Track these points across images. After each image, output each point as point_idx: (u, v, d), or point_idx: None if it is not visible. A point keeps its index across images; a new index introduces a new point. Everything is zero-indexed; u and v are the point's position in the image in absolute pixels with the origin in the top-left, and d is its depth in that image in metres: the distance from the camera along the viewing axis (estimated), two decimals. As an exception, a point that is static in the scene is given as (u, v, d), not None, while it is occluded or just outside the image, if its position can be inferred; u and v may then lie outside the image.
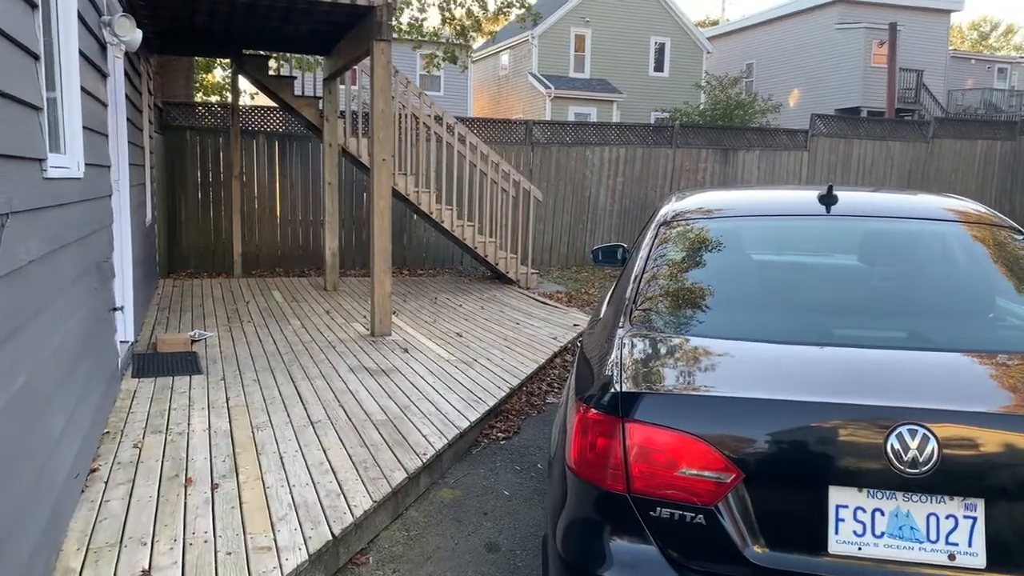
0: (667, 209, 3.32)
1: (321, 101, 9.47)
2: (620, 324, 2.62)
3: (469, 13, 15.11)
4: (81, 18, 3.69)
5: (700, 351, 2.40)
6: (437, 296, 9.34)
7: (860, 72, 27.78)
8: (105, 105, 4.63)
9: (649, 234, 3.13)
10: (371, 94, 6.70)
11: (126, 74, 5.88)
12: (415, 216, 11.56)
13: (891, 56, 19.38)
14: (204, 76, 18.00)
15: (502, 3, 15.55)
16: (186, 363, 5.67)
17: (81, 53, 3.62)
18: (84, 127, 3.70)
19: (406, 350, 6.34)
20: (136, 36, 4.52)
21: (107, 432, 4.13)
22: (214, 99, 18.75)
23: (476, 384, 5.38)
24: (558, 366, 6.42)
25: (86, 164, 3.76)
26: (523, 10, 15.84)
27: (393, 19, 6.71)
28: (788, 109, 28.41)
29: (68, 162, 3.38)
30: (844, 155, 14.65)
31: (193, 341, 6.37)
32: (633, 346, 2.45)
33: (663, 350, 2.45)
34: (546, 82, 29.14)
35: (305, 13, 6.87)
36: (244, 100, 19.99)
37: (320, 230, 11.85)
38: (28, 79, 2.66)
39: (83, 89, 3.67)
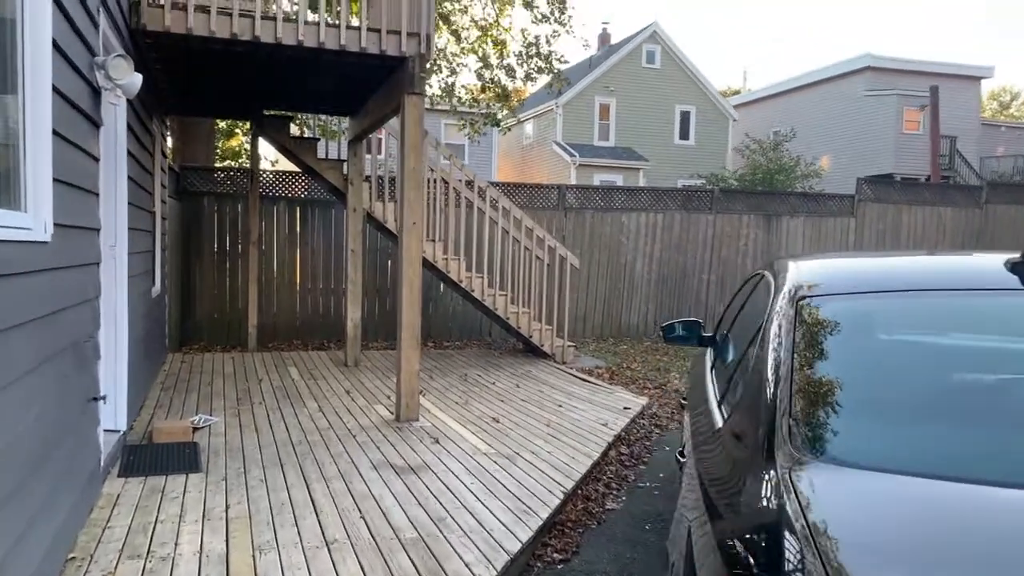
0: (793, 281, 2.54)
1: (346, 164, 8.90)
2: (774, 447, 1.81)
3: (509, 71, 14.73)
4: (61, 52, 3.06)
5: (939, 503, 1.59)
6: (467, 372, 8.54)
7: (892, 138, 27.25)
8: (96, 159, 3.98)
9: (780, 315, 2.34)
10: (400, 152, 6.06)
11: (130, 129, 5.29)
12: (442, 285, 10.87)
13: (934, 120, 18.79)
14: (225, 142, 17.71)
15: (531, 68, 15.16)
16: (184, 457, 4.87)
17: (57, 91, 2.97)
18: (57, 180, 3.02)
19: (436, 440, 5.51)
20: (134, 80, 3.90)
21: (72, 557, 3.32)
22: (234, 164, 18.44)
23: (522, 487, 4.52)
24: (613, 460, 5.55)
25: (59, 225, 3.06)
26: (553, 75, 15.44)
27: (424, 73, 6.12)
28: (819, 175, 27.85)
29: (27, 221, 2.68)
30: (893, 221, 13.88)
31: (195, 428, 5.59)
32: (818, 493, 1.64)
33: (875, 500, 1.63)
34: (571, 150, 28.87)
35: (331, 66, 6.31)
36: (265, 166, 19.74)
37: (341, 300, 11.17)
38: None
39: (57, 134, 3.00)
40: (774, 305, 2.46)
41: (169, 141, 12.34)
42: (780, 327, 2.27)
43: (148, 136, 6.70)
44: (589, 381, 8.25)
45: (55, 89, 2.93)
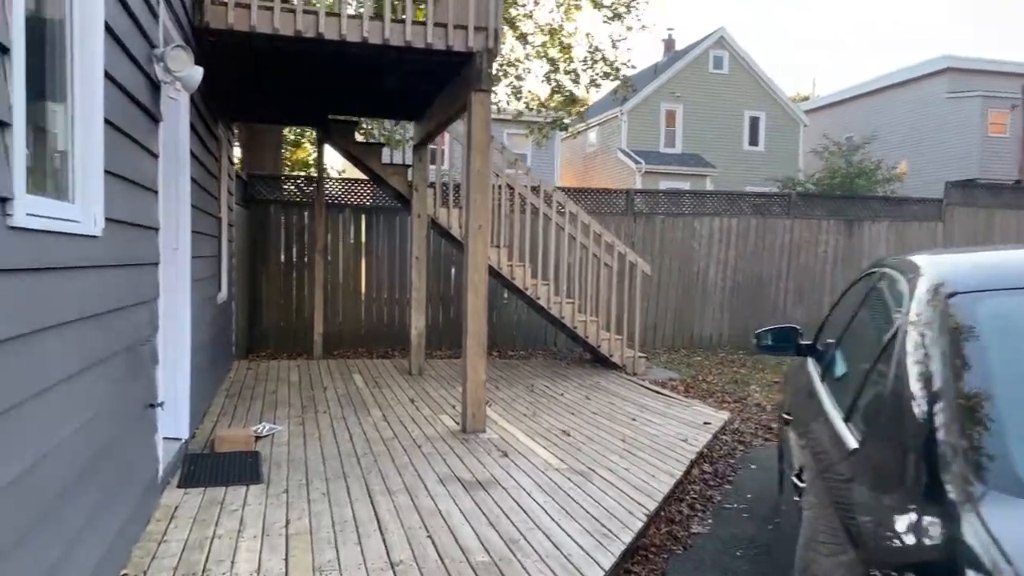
0: (935, 277, 2.14)
1: (410, 170, 8.73)
2: (939, 475, 1.46)
3: (574, 77, 14.45)
4: (115, 36, 2.89)
5: None
6: (533, 383, 8.23)
7: (976, 142, 25.92)
8: (155, 156, 3.83)
9: (923, 318, 1.95)
10: (466, 153, 5.82)
11: (194, 130, 5.17)
12: (506, 293, 10.61)
13: (1025, 119, 17.67)
14: (293, 153, 17.89)
15: (596, 74, 14.83)
16: (246, 467, 4.69)
17: (109, 78, 2.79)
18: (109, 172, 2.84)
19: (505, 453, 5.21)
20: (193, 73, 3.74)
21: (124, 575, 3.13)
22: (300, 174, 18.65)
23: (599, 507, 4.18)
24: (696, 479, 5.15)
25: (111, 220, 2.88)
26: (619, 81, 15.08)
27: (491, 69, 5.87)
28: (900, 180, 26.68)
29: (74, 212, 2.50)
30: (985, 226, 13.02)
31: (258, 437, 5.43)
32: (1003, 529, 1.29)
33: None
34: (636, 157, 28.40)
35: (396, 64, 6.12)
36: (332, 174, 19.89)
37: (406, 308, 11.01)
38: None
39: (110, 124, 2.82)
40: (911, 306, 2.07)
41: (237, 151, 12.46)
42: (925, 332, 1.89)
43: (213, 140, 6.63)
44: (663, 394, 7.83)
45: (107, 75, 2.76)
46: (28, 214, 2.01)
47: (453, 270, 11.15)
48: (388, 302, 11.09)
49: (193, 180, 5.18)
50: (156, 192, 3.88)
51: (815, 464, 2.26)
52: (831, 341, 3.30)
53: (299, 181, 11.13)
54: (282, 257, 10.80)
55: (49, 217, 2.21)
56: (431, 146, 8.76)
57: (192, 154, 5.13)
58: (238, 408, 6.50)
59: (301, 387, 7.56)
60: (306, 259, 10.66)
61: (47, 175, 2.40)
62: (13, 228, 1.91)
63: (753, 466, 5.63)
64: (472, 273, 5.75)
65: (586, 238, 9.18)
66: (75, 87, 2.52)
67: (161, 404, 3.82)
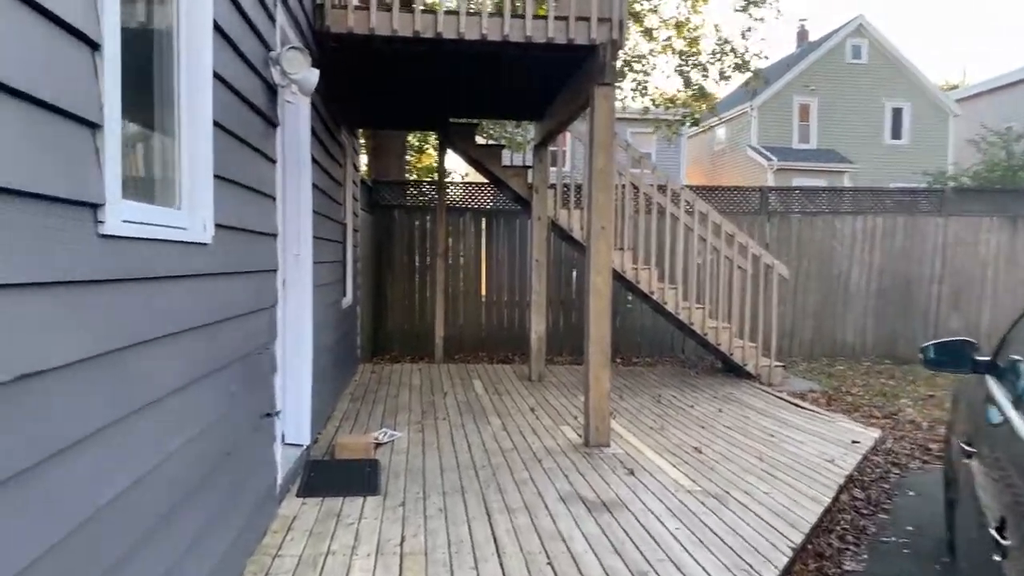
0: None
1: (530, 171, 8.53)
2: None
3: (702, 71, 13.86)
4: (225, 36, 2.80)
5: None
6: (660, 393, 7.81)
7: None
8: (272, 161, 3.77)
9: None
10: (588, 150, 5.53)
11: (315, 135, 5.16)
12: (629, 297, 10.23)
13: None
14: (417, 159, 18.19)
15: (725, 67, 14.14)
16: (364, 476, 4.60)
17: (220, 79, 2.71)
18: (221, 177, 2.76)
19: (631, 471, 4.87)
20: (310, 76, 3.66)
21: (237, 590, 3.05)
22: (423, 179, 18.92)
23: (737, 536, 3.78)
24: (847, 507, 4.63)
25: (223, 226, 2.79)
26: (750, 73, 14.32)
27: (616, 61, 5.56)
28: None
29: (181, 219, 2.41)
30: None
31: (377, 444, 5.35)
32: None
33: None
34: (767, 154, 27.14)
35: (516, 62, 5.93)
36: (455, 178, 20.08)
37: (525, 311, 10.84)
38: (72, 70, 1.66)
39: (220, 127, 2.74)
40: None
41: (363, 157, 12.72)
42: None
43: (337, 145, 6.67)
44: (802, 407, 7.23)
45: (217, 76, 2.67)
46: (124, 221, 1.90)
47: (574, 273, 10.88)
48: (508, 305, 10.96)
49: (315, 186, 5.17)
50: (274, 198, 3.83)
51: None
52: (1020, 360, 2.78)
53: (422, 186, 11.20)
54: (405, 261, 10.89)
55: (151, 224, 2.11)
56: (551, 148, 8.53)
57: (313, 159, 5.11)
58: (360, 413, 6.49)
59: (422, 392, 7.50)
60: (428, 263, 10.70)
61: (150, 181, 2.32)
62: (105, 236, 1.80)
63: (911, 492, 5.02)
64: (594, 276, 5.45)
65: (717, 239, 8.67)
66: (181, 88, 2.43)
67: (278, 413, 3.76)
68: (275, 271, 3.85)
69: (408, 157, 18.33)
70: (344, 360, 7.41)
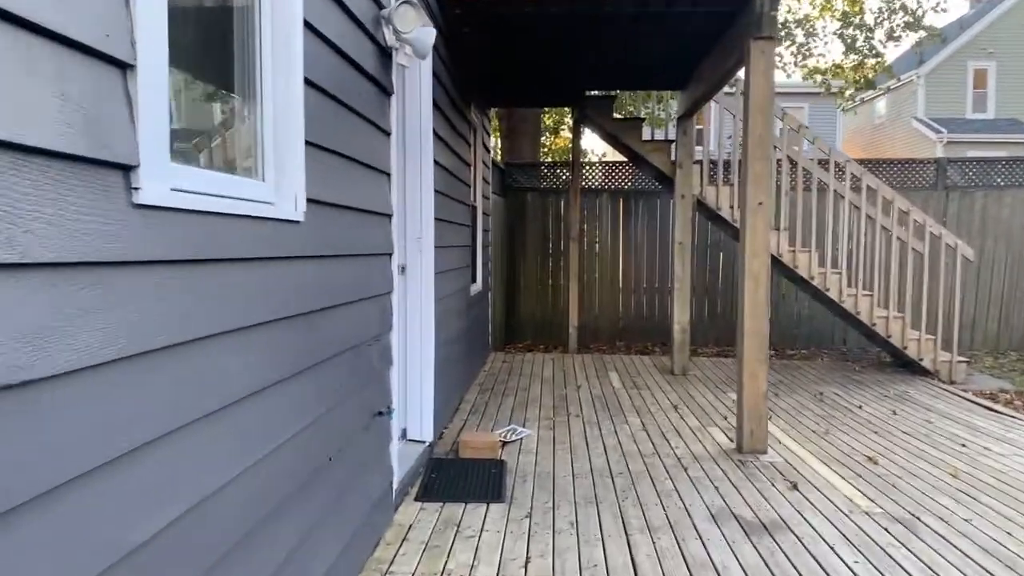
0: None
1: (673, 146, 7.85)
2: None
3: (867, 33, 12.54)
4: (322, -18, 2.42)
5: None
6: (821, 390, 6.96)
7: None
8: (386, 133, 3.40)
9: None
10: (744, 115, 4.84)
11: (438, 108, 4.79)
12: (783, 282, 9.34)
13: None
14: (553, 140, 17.73)
15: (894, 26, 12.71)
16: (489, 480, 4.20)
17: (312, 28, 2.32)
18: (316, 145, 2.39)
19: (794, 485, 4.19)
20: (424, 36, 3.25)
21: (339, 615, 2.71)
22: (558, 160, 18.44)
23: (938, 578, 3.06)
24: (1078, 545, 3.75)
25: (320, 202, 2.43)
26: (922, 32, 12.81)
27: (775, 12, 4.82)
28: None
29: (265, 192, 2.04)
30: None
31: (504, 443, 4.95)
32: None
33: None
34: (936, 126, 24.63)
35: (658, 22, 5.32)
36: (592, 159, 19.45)
37: (666, 299, 10.16)
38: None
39: (314, 86, 2.36)
40: None
41: (495, 141, 12.41)
42: None
43: (465, 123, 6.30)
44: (995, 410, 6.19)
45: (308, 26, 2.29)
46: (174, 190, 1.53)
47: (721, 256, 10.08)
48: (647, 293, 10.32)
49: (438, 163, 4.81)
50: (388, 174, 3.46)
51: None
52: None
53: (556, 167, 10.73)
54: (539, 246, 10.48)
55: (219, 196, 1.74)
56: (697, 127, 7.80)
57: (436, 135, 4.75)
58: (489, 405, 6.12)
59: (554, 384, 7.05)
60: (562, 248, 10.24)
61: (222, 145, 1.96)
62: (145, 207, 1.43)
63: None
64: (750, 260, 4.77)
65: (887, 218, 7.65)
66: (263, 35, 2.06)
67: (390, 411, 3.40)
68: (389, 255, 3.49)
69: (543, 140, 17.93)
70: (473, 349, 7.09)
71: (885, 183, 9.42)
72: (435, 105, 4.69)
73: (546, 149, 17.82)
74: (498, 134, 13.59)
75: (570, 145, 9.68)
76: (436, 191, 4.75)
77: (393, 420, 3.52)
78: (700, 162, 7.89)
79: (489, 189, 8.55)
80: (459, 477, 4.23)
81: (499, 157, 13.08)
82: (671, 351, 7.78)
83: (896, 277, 7.68)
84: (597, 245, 10.37)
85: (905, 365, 8.08)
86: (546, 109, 15.81)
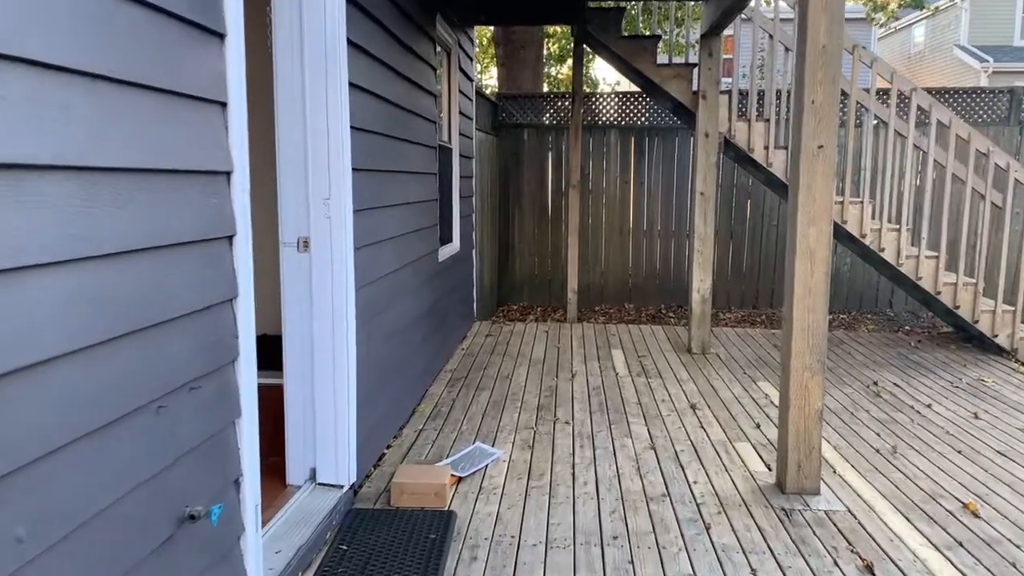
0: None
1: (695, 71, 6.33)
2: None
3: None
4: None
5: None
6: (875, 377, 5.60)
7: None
8: (216, 34, 1.99)
9: None
10: (800, 17, 3.34)
11: (361, 8, 3.34)
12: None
13: None
14: (558, 69, 15.98)
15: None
16: (424, 547, 2.92)
17: None
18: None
19: (868, 567, 2.87)
20: None
21: None
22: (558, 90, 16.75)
23: None
24: None
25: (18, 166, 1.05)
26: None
27: None
28: None
29: None
30: None
31: (459, 479, 3.65)
32: None
33: None
34: (981, 55, 22.54)
35: None
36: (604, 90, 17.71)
37: (683, 256, 8.76)
38: None
39: None
40: None
41: (482, 69, 10.85)
42: None
43: (426, 40, 4.83)
44: (1107, 412, 4.81)
45: None
46: None
47: (749, 203, 8.64)
48: (662, 247, 8.92)
49: (362, 90, 3.39)
50: (222, 103, 2.06)
51: None
52: None
53: (558, 100, 9.20)
54: (536, 193, 9.06)
55: None
56: (725, 55, 6.24)
57: (359, 48, 3.32)
58: (455, 406, 4.82)
59: (544, 369, 5.73)
60: (562, 195, 8.82)
61: None
62: None
63: None
64: (804, 228, 3.35)
65: (961, 165, 6.15)
66: None
67: (212, 513, 2.04)
68: (230, 238, 2.12)
69: (550, 71, 16.23)
70: (444, 326, 5.76)
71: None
72: (356, 4, 3.25)
73: (551, 81, 16.11)
74: (494, 62, 12.03)
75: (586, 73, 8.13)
76: (361, 129, 3.35)
77: (312, 448, 2.20)
78: (728, 92, 6.38)
79: (472, 126, 7.10)
80: (380, 551, 2.94)
81: (499, 89, 11.54)
82: (689, 324, 6.41)
83: (967, 234, 6.22)
84: (604, 193, 8.92)
85: (970, 339, 6.69)
86: (549, 32, 14.07)
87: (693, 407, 4.83)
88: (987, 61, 22.32)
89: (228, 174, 2.10)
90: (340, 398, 3.22)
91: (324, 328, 3.18)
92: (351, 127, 3.20)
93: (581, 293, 8.42)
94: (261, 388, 3.69)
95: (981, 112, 8.33)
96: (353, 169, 3.24)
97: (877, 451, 4.07)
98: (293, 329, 3.20)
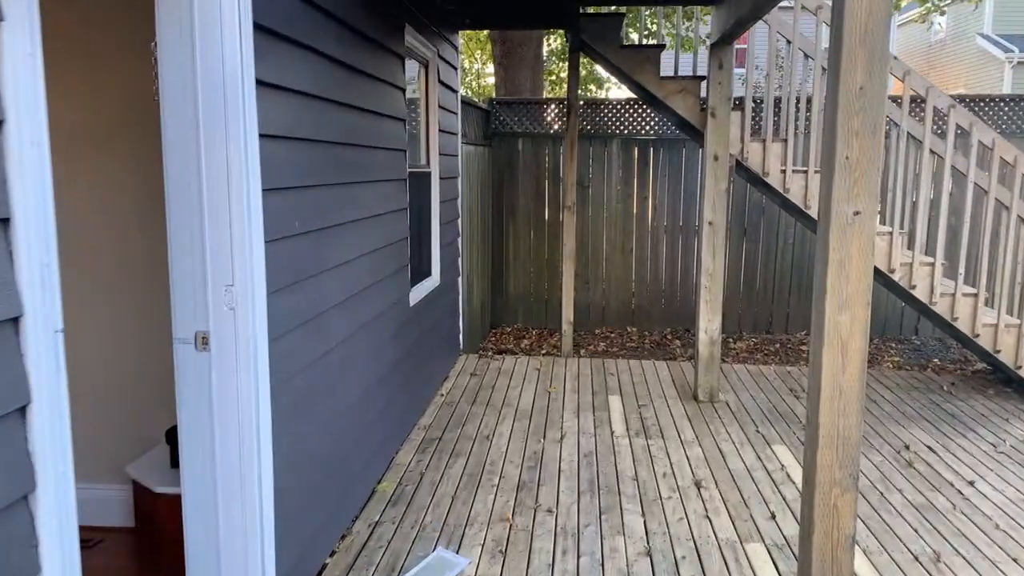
0: None
1: (703, 84, 5.63)
2: None
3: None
4: None
5: None
6: (906, 438, 4.92)
7: None
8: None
9: None
10: (833, 51, 2.64)
11: (272, 33, 2.68)
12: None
13: None
14: (560, 65, 15.19)
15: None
16: None
17: None
18: None
19: None
20: None
21: None
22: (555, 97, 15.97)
23: None
24: None
25: None
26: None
27: None
28: None
29: None
30: None
31: (412, 603, 3.02)
32: None
33: None
34: (1005, 44, 21.60)
35: None
36: (609, 95, 16.91)
37: (690, 278, 8.09)
38: None
39: None
40: None
41: (468, 69, 10.17)
42: None
43: (391, 56, 4.16)
44: None
45: None
46: None
47: (763, 218, 7.97)
48: (668, 266, 8.26)
49: (290, 140, 2.73)
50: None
51: None
52: None
53: (554, 105, 8.51)
54: (532, 207, 8.41)
55: None
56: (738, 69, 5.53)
57: (282, 90, 2.65)
58: (422, 483, 4.17)
59: (530, 427, 5.08)
60: (559, 213, 8.16)
61: None
62: None
63: None
64: (834, 314, 2.64)
65: (1005, 189, 5.45)
66: None
67: None
68: (12, 320, 1.46)
69: (552, 68, 15.48)
70: (416, 379, 5.12)
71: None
72: (269, 32, 2.58)
73: (553, 80, 15.33)
74: (492, 61, 11.34)
75: (586, 74, 7.45)
76: (281, 189, 2.69)
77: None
78: (740, 107, 5.68)
79: (457, 141, 6.43)
80: None
81: (496, 90, 10.83)
82: (696, 367, 5.74)
83: (1011, 269, 5.52)
84: (605, 210, 8.25)
85: (1010, 382, 6.00)
86: (550, 29, 13.34)
87: (698, 484, 4.17)
88: (1012, 51, 21.39)
89: (3, 221, 1.44)
90: (251, 525, 2.59)
91: (229, 443, 2.54)
92: (264, 189, 2.54)
93: (580, 314, 7.78)
94: (173, 498, 3.05)
95: (1016, 121, 7.58)
96: (269, 241, 2.59)
97: (915, 558, 3.41)
98: (192, 443, 2.56)
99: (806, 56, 5.55)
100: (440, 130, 5.70)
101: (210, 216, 2.43)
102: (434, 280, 5.67)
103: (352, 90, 3.52)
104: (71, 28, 3.45)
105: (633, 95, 7.55)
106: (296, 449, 2.88)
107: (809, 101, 5.73)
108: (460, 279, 6.64)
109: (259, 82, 2.48)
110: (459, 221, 6.57)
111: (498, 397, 5.68)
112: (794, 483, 4.20)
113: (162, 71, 2.39)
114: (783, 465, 4.45)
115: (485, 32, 12.99)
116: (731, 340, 7.90)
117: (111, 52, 3.45)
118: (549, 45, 13.81)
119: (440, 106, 5.71)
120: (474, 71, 17.13)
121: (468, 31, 11.32)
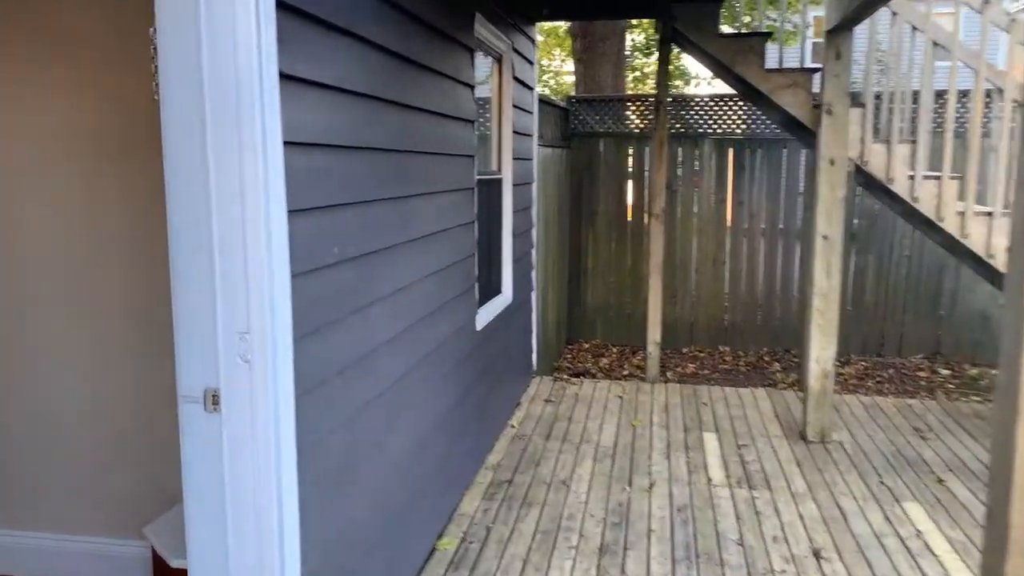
0: None
1: (815, 78, 4.90)
2: None
3: None
4: None
5: None
6: None
7: None
8: None
9: None
10: None
11: (310, 17, 2.16)
12: (957, 267, 6.39)
13: None
14: (643, 61, 14.42)
15: None
16: None
17: None
18: None
19: None
20: None
21: None
22: (639, 93, 15.16)
23: None
24: None
25: None
26: None
27: None
28: None
29: None
30: None
31: None
32: None
33: None
34: None
35: None
36: (704, 92, 16.00)
37: (790, 291, 7.31)
38: None
39: None
40: None
41: (569, 66, 9.60)
42: None
43: (455, 50, 3.62)
44: None
45: None
46: None
47: (878, 222, 7.14)
48: (765, 279, 7.51)
49: (329, 148, 2.21)
50: None
51: None
52: None
53: (639, 102, 7.85)
54: (613, 213, 7.80)
55: None
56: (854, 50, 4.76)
57: (316, 86, 2.14)
58: (488, 545, 3.60)
59: (613, 470, 4.45)
60: (645, 222, 7.52)
61: None
62: None
63: None
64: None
65: None
66: None
67: None
68: None
69: (635, 63, 14.75)
70: (483, 412, 4.57)
71: None
72: (297, 12, 2.06)
73: (637, 76, 14.59)
74: (571, 57, 10.74)
75: (671, 68, 6.76)
76: (316, 208, 2.18)
77: None
78: (861, 101, 4.92)
79: (532, 143, 5.87)
80: None
81: (576, 87, 10.24)
82: (805, 402, 5.00)
83: None
84: (696, 213, 7.55)
85: None
86: (634, 21, 12.61)
87: (817, 554, 3.48)
88: None
89: None
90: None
91: (244, 525, 2.03)
92: (291, 210, 2.02)
93: (666, 331, 7.09)
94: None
95: None
96: (297, 275, 2.07)
97: None
98: (198, 524, 2.07)
99: (935, 44, 4.75)
100: (514, 131, 5.14)
101: (220, 246, 1.92)
102: (505, 298, 5.12)
103: (408, 86, 2.98)
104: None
105: (726, 91, 6.83)
106: (331, 526, 2.35)
107: (943, 97, 4.92)
108: (534, 294, 6.07)
109: (283, 76, 1.96)
110: (534, 231, 6.01)
111: (576, 430, 5.08)
112: (935, 555, 3.46)
113: (162, 63, 1.90)
114: (919, 531, 3.70)
115: (564, 27, 12.39)
116: (839, 363, 7.06)
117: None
118: (631, 40, 13.09)
119: (514, 105, 5.15)
120: (552, 69, 16.56)
121: (546, 23, 10.76)
